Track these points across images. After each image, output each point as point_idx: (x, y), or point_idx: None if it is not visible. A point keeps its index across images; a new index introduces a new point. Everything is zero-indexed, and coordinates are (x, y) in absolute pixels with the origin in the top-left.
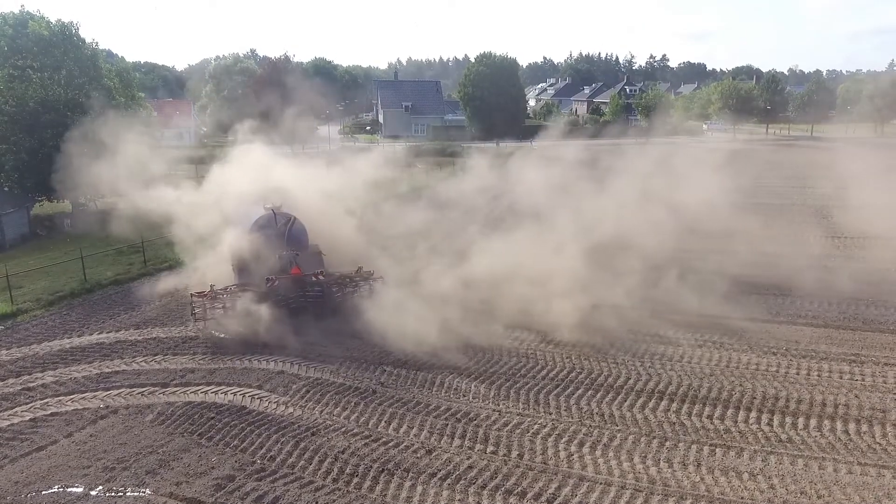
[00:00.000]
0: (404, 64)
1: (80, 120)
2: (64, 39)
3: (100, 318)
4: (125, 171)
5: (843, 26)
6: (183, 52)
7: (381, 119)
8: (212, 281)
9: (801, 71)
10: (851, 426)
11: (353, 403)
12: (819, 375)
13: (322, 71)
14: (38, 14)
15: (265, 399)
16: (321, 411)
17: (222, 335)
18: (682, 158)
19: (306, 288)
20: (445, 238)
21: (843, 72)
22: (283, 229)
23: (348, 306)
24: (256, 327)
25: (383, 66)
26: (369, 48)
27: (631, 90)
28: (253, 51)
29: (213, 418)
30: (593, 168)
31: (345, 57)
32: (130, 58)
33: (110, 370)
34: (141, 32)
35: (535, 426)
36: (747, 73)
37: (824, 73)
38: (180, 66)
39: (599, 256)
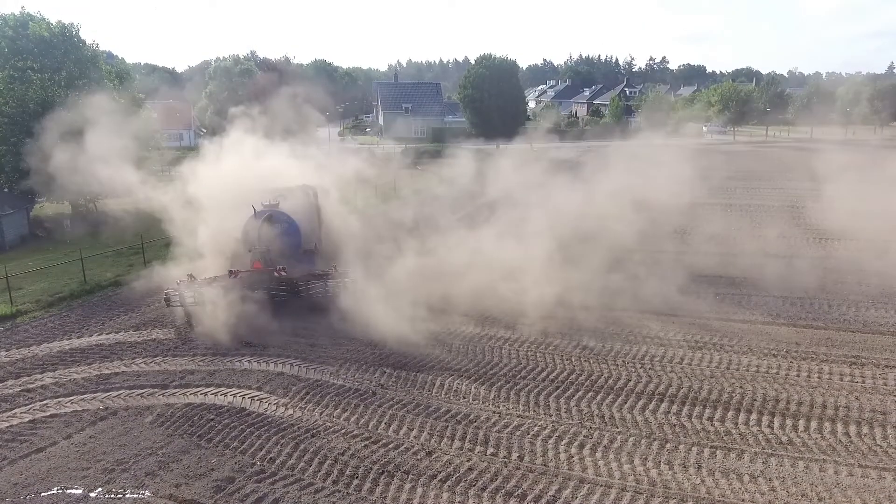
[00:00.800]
0: (404, 65)
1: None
2: (64, 41)
3: (99, 320)
4: (102, 160)
5: (843, 28)
6: (183, 54)
7: (380, 121)
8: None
9: (800, 73)
10: (852, 428)
11: (352, 405)
12: (819, 377)
13: (322, 72)
14: (38, 15)
15: (265, 401)
16: (321, 413)
17: (193, 324)
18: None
19: (270, 283)
20: (425, 234)
21: (843, 74)
22: (257, 225)
23: (319, 303)
24: (225, 319)
25: (383, 67)
26: (369, 50)
27: (631, 92)
28: (253, 52)
29: (212, 420)
30: (572, 169)
31: (345, 58)
32: (131, 59)
33: (110, 372)
34: (141, 34)
35: (536, 428)
36: (747, 74)
37: (824, 76)
38: (180, 68)
39: (591, 257)
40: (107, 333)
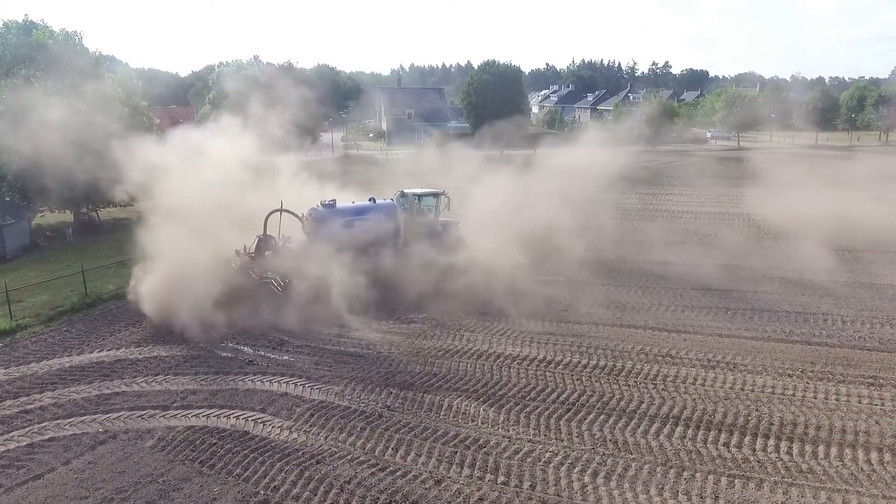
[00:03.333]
0: (407, 70)
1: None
2: (67, 49)
3: (100, 335)
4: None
5: (844, 32)
6: (186, 59)
7: (384, 126)
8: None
9: (803, 77)
10: (874, 455)
11: (358, 428)
12: (837, 399)
13: (325, 77)
14: (41, 23)
15: (268, 423)
16: (326, 437)
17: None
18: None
19: (241, 267)
20: None
21: (846, 79)
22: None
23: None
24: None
25: (386, 72)
26: (372, 54)
27: (634, 97)
28: (256, 57)
29: (214, 444)
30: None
31: (348, 63)
32: (134, 64)
33: (110, 391)
34: (144, 39)
35: (547, 454)
36: (749, 79)
37: (827, 80)
38: (184, 73)
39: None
40: (107, 350)
